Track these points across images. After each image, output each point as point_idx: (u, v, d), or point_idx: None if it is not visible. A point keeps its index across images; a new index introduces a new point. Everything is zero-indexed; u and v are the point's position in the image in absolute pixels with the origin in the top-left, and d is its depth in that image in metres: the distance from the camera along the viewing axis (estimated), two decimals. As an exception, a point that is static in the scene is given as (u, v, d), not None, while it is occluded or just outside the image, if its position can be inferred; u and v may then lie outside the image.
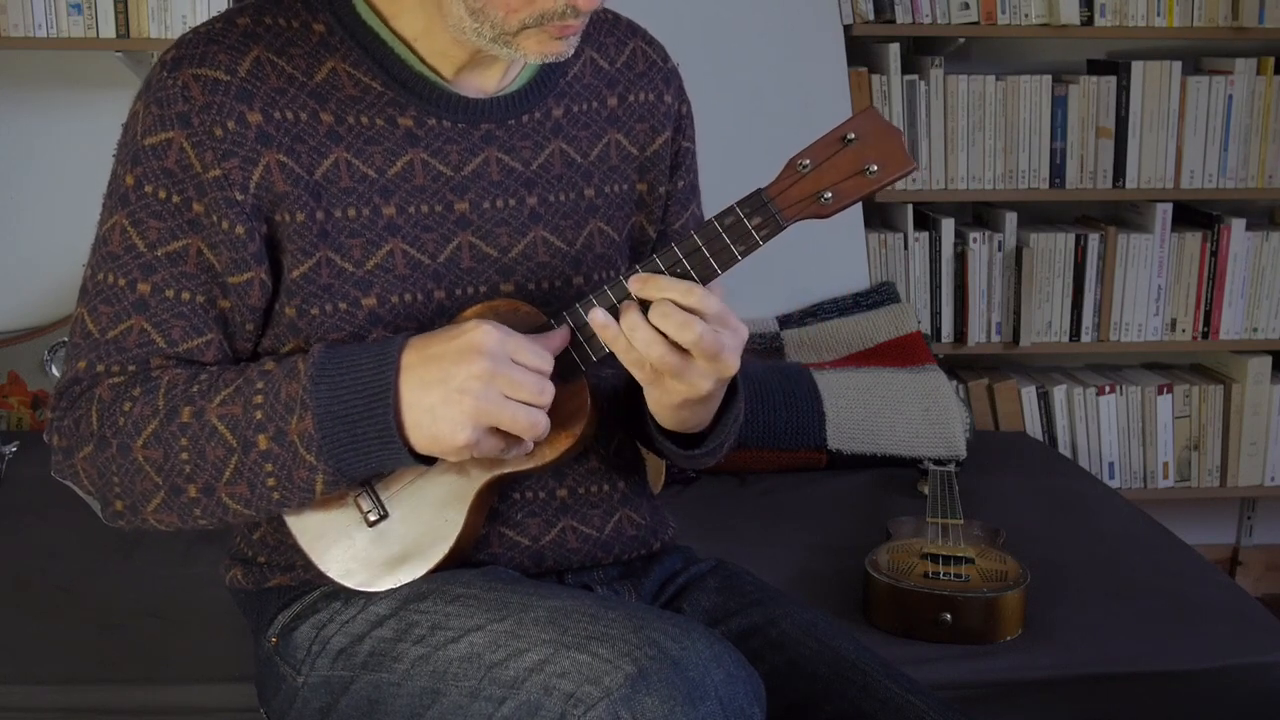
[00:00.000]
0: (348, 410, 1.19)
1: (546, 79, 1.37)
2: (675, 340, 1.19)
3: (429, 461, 1.23)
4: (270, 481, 1.22)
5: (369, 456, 1.21)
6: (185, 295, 1.26)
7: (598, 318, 1.21)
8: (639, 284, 1.21)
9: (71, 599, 1.98)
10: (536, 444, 1.25)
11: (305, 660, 1.32)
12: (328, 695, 1.31)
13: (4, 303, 2.87)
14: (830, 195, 1.21)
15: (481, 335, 1.18)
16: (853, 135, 1.21)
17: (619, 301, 1.24)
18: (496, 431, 1.20)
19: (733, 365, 1.22)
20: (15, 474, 2.49)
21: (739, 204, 1.22)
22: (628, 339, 1.20)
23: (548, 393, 1.20)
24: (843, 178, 1.21)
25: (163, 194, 1.24)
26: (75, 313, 1.29)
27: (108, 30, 2.66)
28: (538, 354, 1.21)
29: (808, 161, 1.21)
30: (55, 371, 2.78)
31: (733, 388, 1.35)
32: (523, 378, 1.19)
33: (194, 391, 1.23)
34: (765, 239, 1.22)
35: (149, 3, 2.65)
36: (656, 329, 1.19)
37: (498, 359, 1.18)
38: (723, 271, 1.22)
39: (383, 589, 1.29)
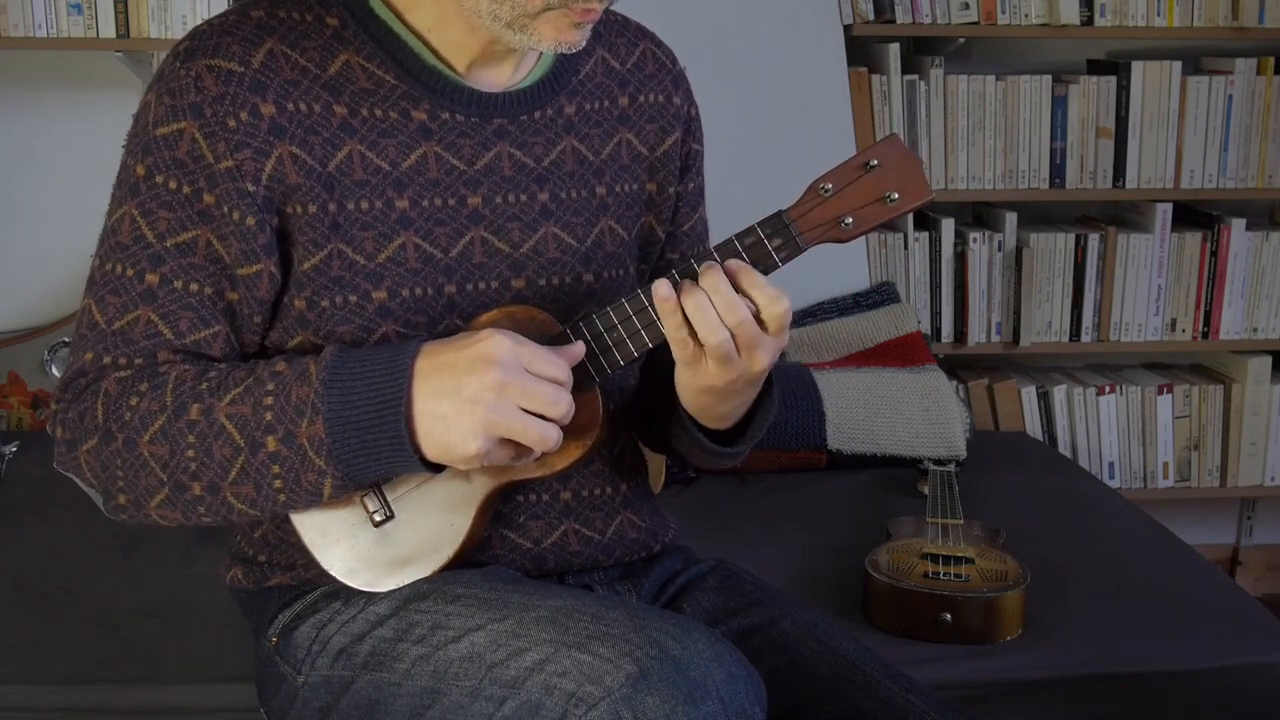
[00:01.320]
0: (359, 416, 1.19)
1: (559, 76, 1.37)
2: (721, 317, 1.19)
3: (438, 468, 1.23)
4: (277, 483, 1.22)
5: (379, 462, 1.20)
6: (194, 286, 1.26)
7: (662, 289, 1.20)
8: (737, 267, 1.20)
9: (71, 599, 1.98)
10: (547, 453, 1.25)
11: (305, 660, 1.32)
12: (328, 695, 1.31)
13: (4, 303, 2.87)
14: (851, 221, 1.22)
15: (494, 345, 1.18)
16: (875, 162, 1.21)
17: (635, 314, 1.24)
18: (508, 441, 1.20)
19: (762, 362, 1.22)
20: (15, 474, 2.49)
21: (760, 224, 1.22)
22: (683, 315, 1.19)
23: (562, 403, 1.20)
24: (863, 204, 1.21)
25: (173, 184, 1.24)
26: (82, 304, 1.29)
27: (108, 30, 2.66)
28: (554, 364, 1.20)
29: (829, 186, 1.22)
30: (55, 371, 2.78)
31: (766, 390, 1.35)
32: (536, 388, 1.19)
33: (203, 389, 1.23)
34: (784, 260, 1.23)
35: (149, 3, 2.66)
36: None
37: (510, 369, 1.18)
38: None
39: (386, 589, 1.29)
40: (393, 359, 1.20)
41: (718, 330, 1.19)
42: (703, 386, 1.26)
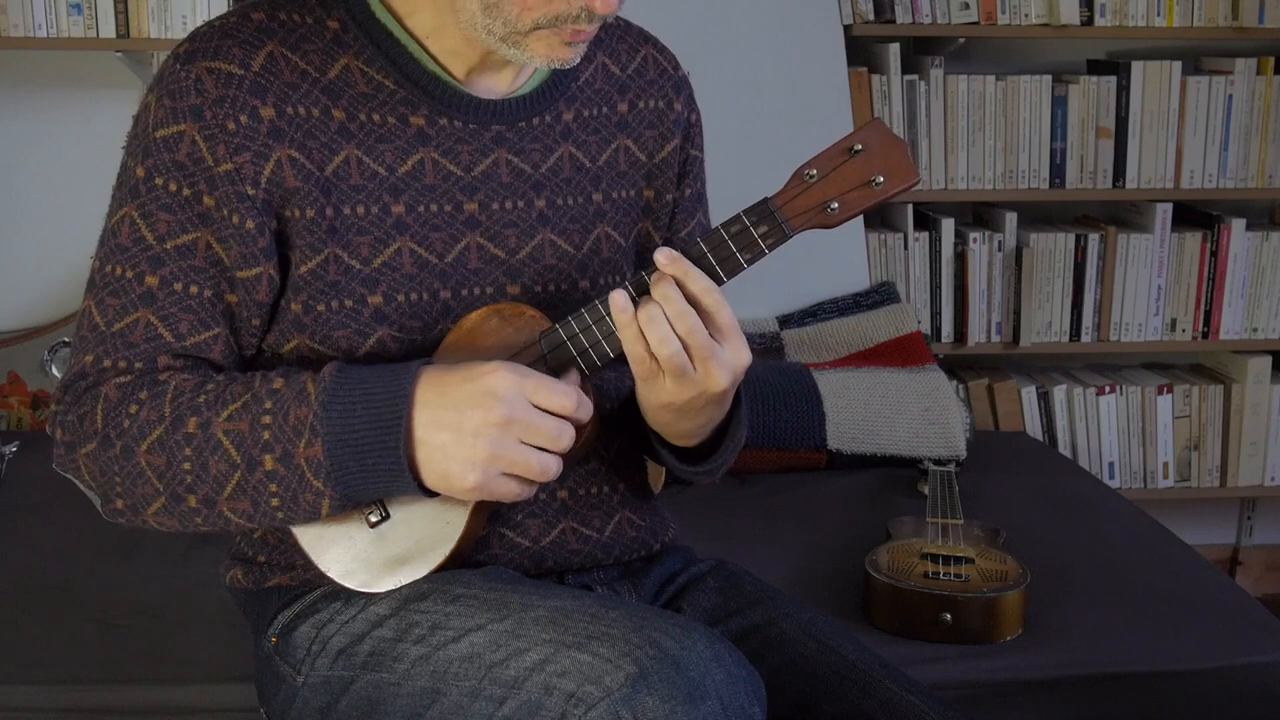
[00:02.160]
0: (358, 440, 1.19)
1: (558, 83, 1.37)
2: (672, 326, 1.18)
3: (434, 493, 1.23)
4: (274, 501, 1.22)
5: (377, 485, 1.21)
6: (193, 289, 1.26)
7: (619, 300, 1.19)
8: (668, 260, 1.19)
9: (71, 599, 1.98)
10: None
11: (305, 660, 1.32)
12: (328, 695, 1.31)
13: (4, 303, 2.87)
14: (837, 205, 1.21)
15: (498, 380, 1.18)
16: (860, 146, 1.21)
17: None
18: (511, 475, 1.20)
19: (719, 380, 1.21)
20: (15, 474, 2.48)
21: (745, 212, 1.22)
22: (639, 328, 1.19)
23: (565, 437, 1.20)
24: (849, 188, 1.21)
25: (173, 187, 1.24)
26: (83, 305, 1.29)
27: (108, 30, 2.66)
28: (560, 394, 1.19)
29: (815, 171, 1.21)
30: (55, 371, 2.78)
31: (735, 413, 1.34)
32: (541, 423, 1.19)
33: (200, 402, 1.23)
34: (771, 248, 1.22)
35: (149, 3, 2.66)
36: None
37: (515, 404, 1.18)
38: (728, 279, 1.22)
39: (383, 590, 1.29)
40: (393, 383, 1.19)
41: (670, 342, 1.18)
42: (661, 403, 1.25)
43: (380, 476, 1.20)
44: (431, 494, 1.22)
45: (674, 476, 2.50)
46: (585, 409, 1.21)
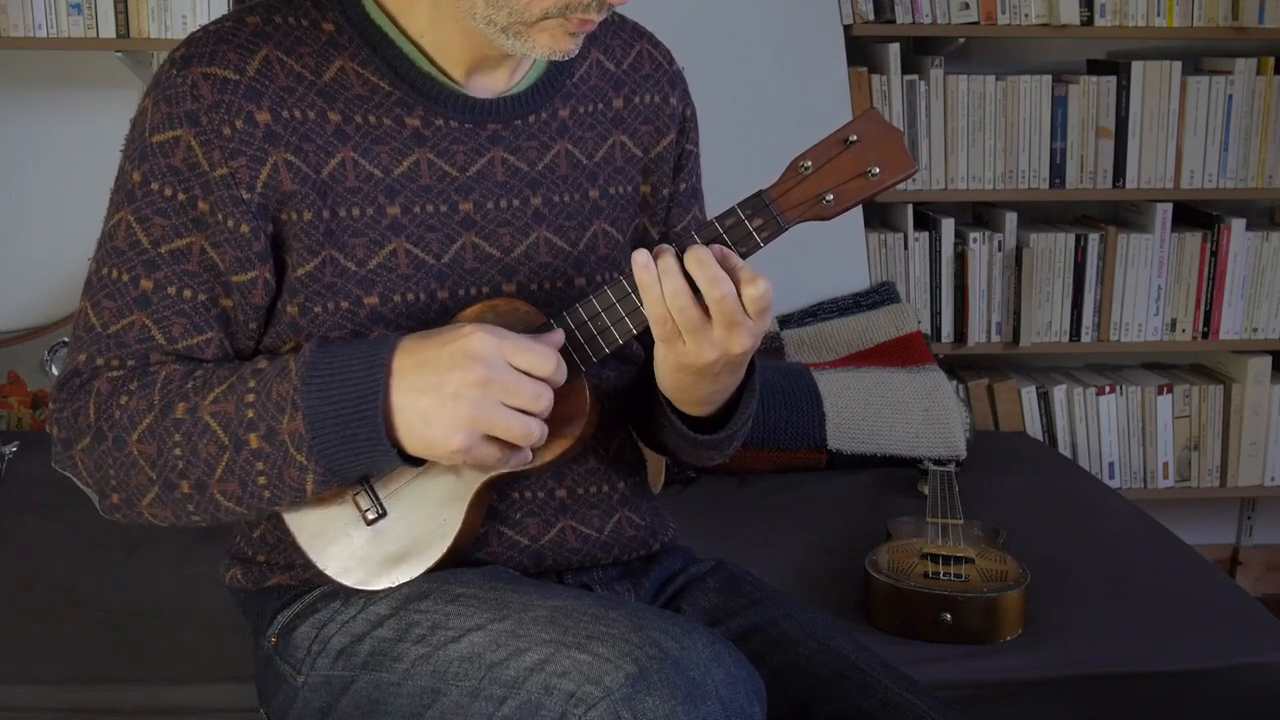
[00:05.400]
0: (338, 411, 1.19)
1: (553, 80, 1.37)
2: (702, 291, 1.18)
3: (419, 463, 1.23)
4: (261, 480, 1.22)
5: (359, 457, 1.21)
6: (187, 293, 1.26)
7: (640, 258, 1.19)
8: (645, 262, 1.19)
9: (71, 599, 1.98)
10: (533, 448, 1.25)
11: (305, 660, 1.32)
12: (328, 695, 1.31)
13: (4, 303, 2.87)
14: (832, 197, 1.21)
15: (476, 341, 1.18)
16: (855, 137, 1.20)
17: (618, 300, 1.24)
18: (494, 439, 1.20)
19: (742, 344, 1.21)
20: (15, 474, 2.48)
21: (740, 205, 1.22)
22: (660, 289, 1.19)
23: (545, 398, 1.20)
24: (845, 180, 1.21)
25: (169, 191, 1.25)
26: (79, 306, 1.30)
27: (108, 30, 2.66)
28: (538, 354, 1.20)
29: (810, 163, 1.21)
30: (55, 371, 2.78)
31: (747, 384, 1.34)
32: (519, 383, 1.19)
33: (188, 388, 1.23)
34: (766, 240, 1.22)
35: (149, 3, 2.66)
36: (688, 280, 1.18)
37: (493, 365, 1.18)
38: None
39: (380, 587, 1.30)
40: (370, 354, 1.20)
41: (683, 295, 1.18)
42: (680, 365, 1.25)
43: (361, 447, 1.20)
44: (416, 463, 1.23)
45: (674, 476, 2.50)
46: (562, 372, 1.21)
